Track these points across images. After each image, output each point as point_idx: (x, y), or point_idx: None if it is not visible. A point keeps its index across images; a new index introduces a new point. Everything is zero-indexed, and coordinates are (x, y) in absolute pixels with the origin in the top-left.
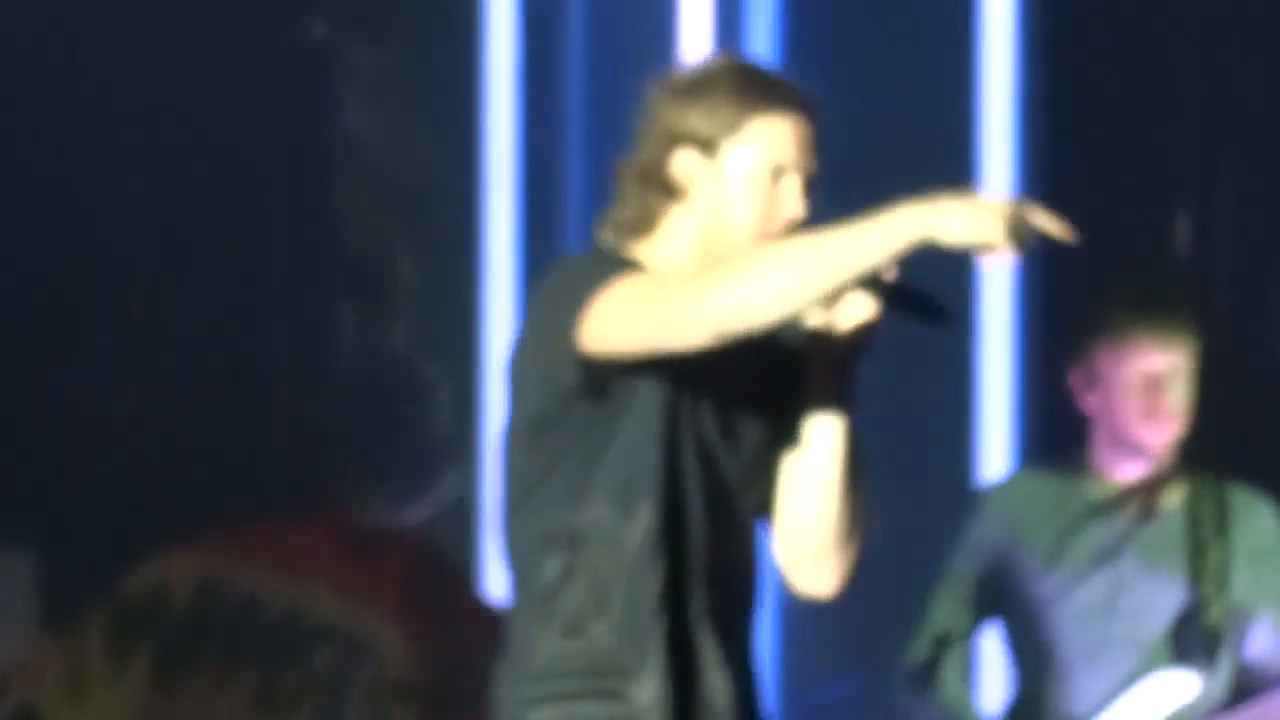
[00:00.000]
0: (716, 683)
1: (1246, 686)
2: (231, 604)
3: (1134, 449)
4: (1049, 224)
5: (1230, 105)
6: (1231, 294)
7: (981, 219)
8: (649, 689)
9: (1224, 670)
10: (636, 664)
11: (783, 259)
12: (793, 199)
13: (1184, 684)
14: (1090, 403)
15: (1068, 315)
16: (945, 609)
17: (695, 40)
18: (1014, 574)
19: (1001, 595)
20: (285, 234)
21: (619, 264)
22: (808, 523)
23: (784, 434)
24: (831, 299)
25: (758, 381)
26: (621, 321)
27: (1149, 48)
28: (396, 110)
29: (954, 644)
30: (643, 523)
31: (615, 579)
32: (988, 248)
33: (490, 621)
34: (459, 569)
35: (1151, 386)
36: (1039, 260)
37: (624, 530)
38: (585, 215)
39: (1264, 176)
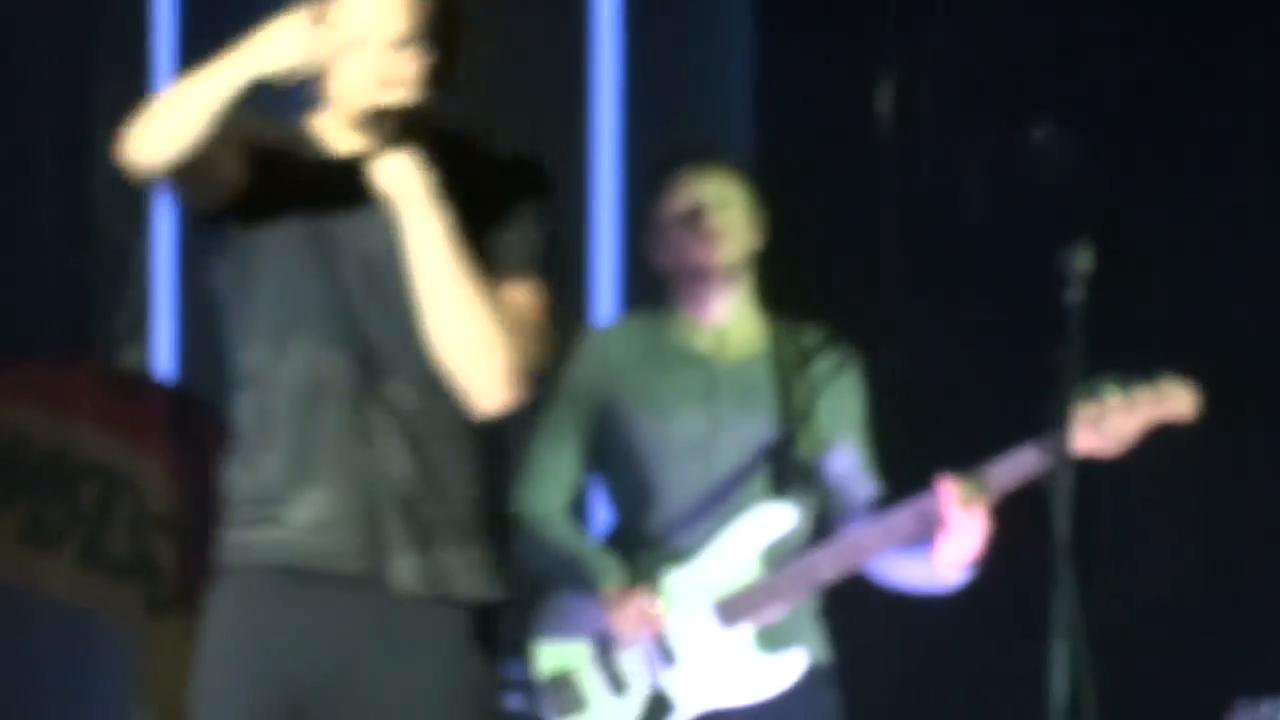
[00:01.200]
0: (392, 505)
1: (834, 510)
2: None
3: (697, 277)
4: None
5: None
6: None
7: (283, 38)
8: (304, 512)
9: (814, 499)
10: (295, 490)
11: (164, 102)
12: (391, 65)
13: (781, 516)
14: (658, 256)
15: None
16: (546, 453)
17: None
18: (610, 416)
19: (600, 437)
20: (55, 89)
21: None
22: (433, 330)
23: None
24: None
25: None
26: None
27: None
28: None
29: (557, 486)
30: (295, 359)
31: (279, 412)
32: (310, 65)
33: None
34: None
35: (694, 214)
36: None
37: (278, 366)
38: None
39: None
